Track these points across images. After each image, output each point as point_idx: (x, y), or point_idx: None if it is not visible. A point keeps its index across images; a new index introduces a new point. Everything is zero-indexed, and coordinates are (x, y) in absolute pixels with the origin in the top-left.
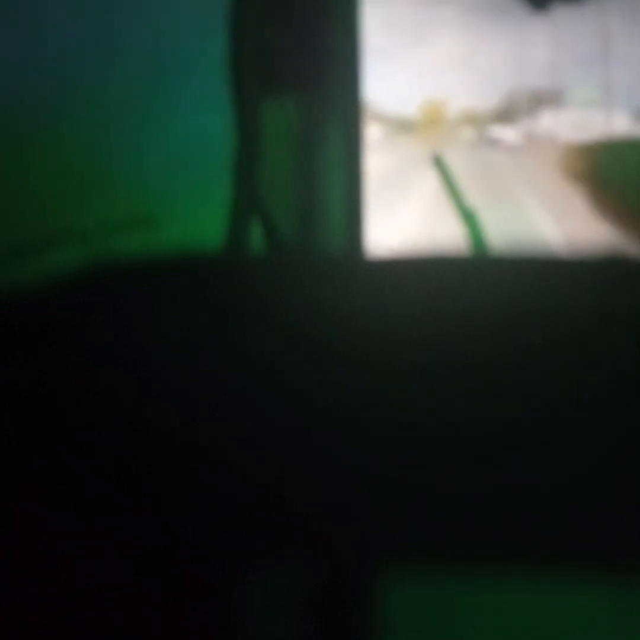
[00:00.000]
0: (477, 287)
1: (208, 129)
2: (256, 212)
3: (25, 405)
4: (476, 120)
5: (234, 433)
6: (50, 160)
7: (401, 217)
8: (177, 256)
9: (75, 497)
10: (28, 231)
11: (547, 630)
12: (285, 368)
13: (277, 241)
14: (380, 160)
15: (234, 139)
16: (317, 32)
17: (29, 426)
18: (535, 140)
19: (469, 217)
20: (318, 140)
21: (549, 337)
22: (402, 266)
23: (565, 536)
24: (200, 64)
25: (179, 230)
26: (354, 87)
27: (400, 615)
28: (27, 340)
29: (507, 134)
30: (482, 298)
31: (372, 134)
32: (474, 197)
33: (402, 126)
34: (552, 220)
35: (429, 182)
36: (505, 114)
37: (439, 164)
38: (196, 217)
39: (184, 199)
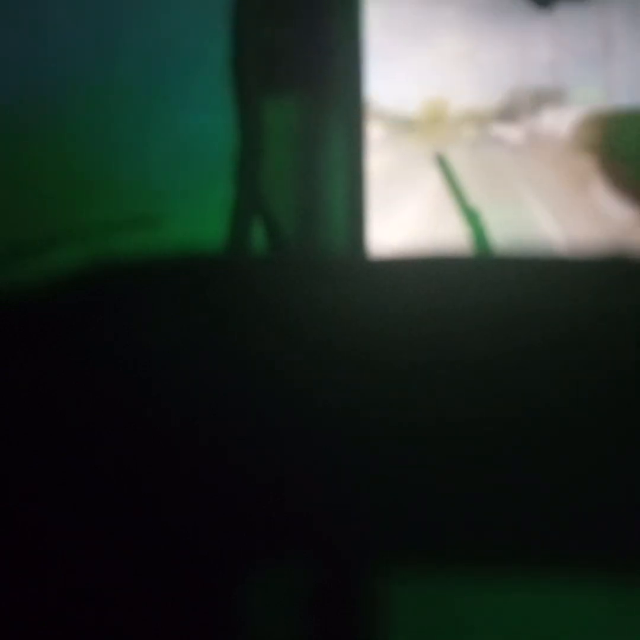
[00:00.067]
0: (478, 287)
1: (209, 129)
2: (257, 212)
3: (25, 405)
4: (478, 119)
5: (234, 433)
6: (51, 160)
7: (403, 216)
8: (177, 256)
9: (75, 497)
10: (28, 231)
11: (547, 630)
12: (285, 368)
13: (279, 241)
14: (382, 160)
15: (235, 139)
16: (318, 32)
17: (29, 426)
18: (537, 139)
19: (471, 216)
20: (320, 140)
21: (549, 337)
22: (404, 266)
23: (565, 536)
24: (201, 64)
25: (179, 230)
26: (356, 87)
27: (400, 615)
28: (27, 340)
29: (509, 132)
30: (482, 298)
31: (373, 133)
32: (476, 197)
33: (403, 125)
34: (554, 220)
35: (432, 181)
36: (507, 113)
37: (442, 163)
38: (196, 217)
39: (184, 199)
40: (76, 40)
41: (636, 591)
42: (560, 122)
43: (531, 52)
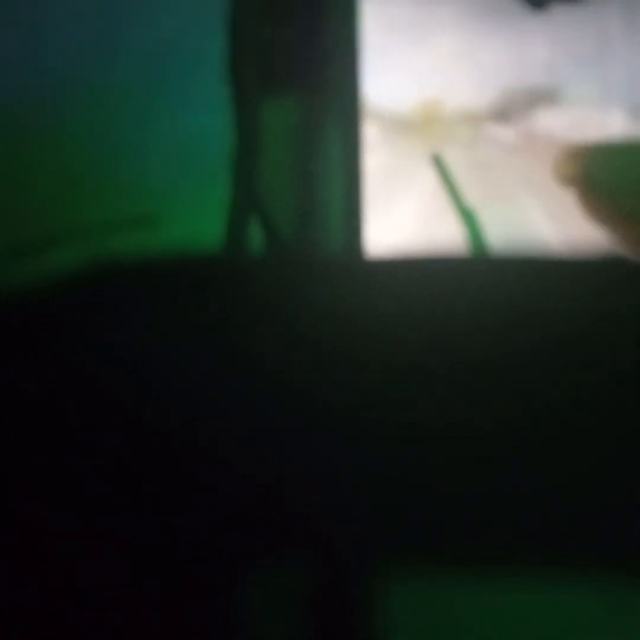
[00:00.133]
0: (477, 287)
1: (208, 129)
2: (255, 212)
3: (25, 405)
4: (474, 119)
5: (234, 433)
6: (51, 160)
7: (399, 216)
8: (177, 256)
9: (75, 497)
10: (28, 231)
11: (547, 630)
12: (285, 368)
13: (277, 241)
14: (378, 160)
15: (233, 139)
16: (316, 32)
17: (29, 426)
18: (533, 138)
19: (468, 216)
20: (317, 140)
21: (549, 337)
22: (401, 266)
23: (565, 536)
24: (200, 64)
25: (179, 230)
26: (353, 87)
27: (400, 615)
28: (27, 340)
29: (506, 132)
30: (481, 298)
31: (369, 133)
32: (472, 196)
33: (399, 125)
34: (552, 220)
35: (428, 181)
36: (504, 113)
37: (438, 163)
38: (196, 217)
39: (184, 199)
40: (76, 40)
41: (636, 591)
42: (555, 121)
43: (527, 53)
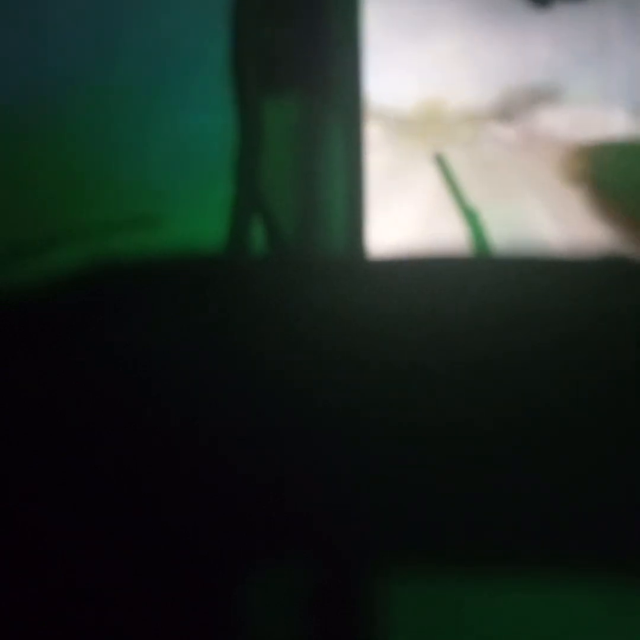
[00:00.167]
0: (478, 287)
1: (209, 129)
2: (257, 212)
3: (25, 405)
4: (476, 118)
5: (234, 433)
6: (51, 160)
7: (401, 215)
8: (177, 256)
9: (75, 497)
10: (28, 231)
11: (547, 630)
12: (285, 368)
13: (278, 241)
14: (380, 159)
15: (234, 139)
16: (317, 31)
17: (29, 426)
18: (534, 137)
19: (470, 215)
20: (319, 140)
21: (549, 337)
22: (403, 266)
23: (565, 536)
24: (201, 64)
25: (179, 230)
26: (355, 86)
27: (400, 615)
28: (27, 340)
29: (507, 131)
30: (482, 298)
31: (371, 132)
32: (474, 196)
33: (401, 124)
34: (554, 220)
35: (430, 181)
36: (505, 112)
37: (441, 163)
38: (197, 217)
39: (184, 199)
40: (76, 40)
41: (636, 591)
42: (557, 120)
43: (529, 51)
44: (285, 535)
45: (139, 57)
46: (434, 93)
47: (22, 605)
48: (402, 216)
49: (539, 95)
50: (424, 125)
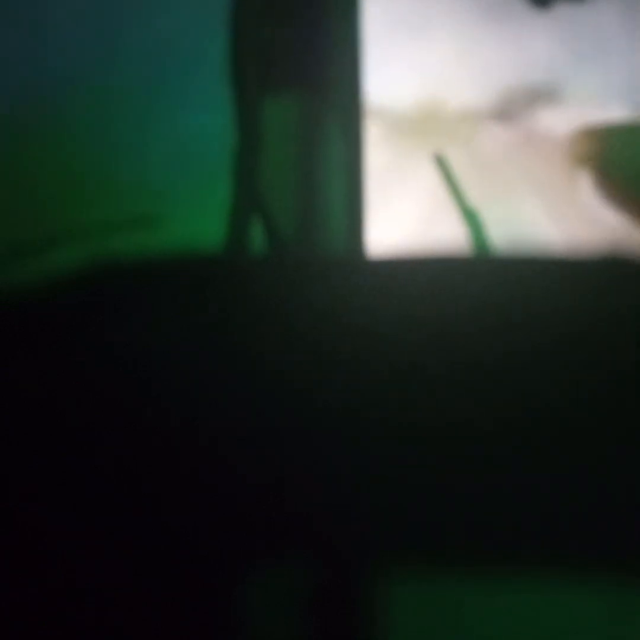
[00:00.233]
0: (478, 287)
1: (208, 129)
2: (256, 212)
3: (25, 405)
4: (475, 117)
5: (234, 433)
6: (50, 160)
7: (401, 215)
8: (177, 256)
9: (75, 497)
10: (28, 231)
11: (547, 630)
12: (285, 368)
13: (278, 240)
14: (380, 158)
15: (234, 139)
16: (317, 31)
17: (29, 426)
18: (534, 136)
19: (470, 215)
20: (318, 139)
21: (549, 337)
22: (403, 265)
23: (565, 536)
24: (200, 64)
25: (179, 230)
26: (354, 86)
27: (400, 615)
28: (27, 340)
29: (507, 131)
30: (482, 298)
31: (370, 131)
32: (474, 195)
33: (401, 123)
34: (553, 220)
35: (429, 180)
36: (504, 111)
37: (440, 162)
38: (196, 217)
39: (184, 199)
40: (76, 40)
41: (636, 591)
42: (557, 120)
43: (529, 50)
44: (285, 535)
45: (139, 57)
46: (433, 92)
47: (22, 605)
48: (402, 215)
49: (539, 95)
50: (423, 124)
